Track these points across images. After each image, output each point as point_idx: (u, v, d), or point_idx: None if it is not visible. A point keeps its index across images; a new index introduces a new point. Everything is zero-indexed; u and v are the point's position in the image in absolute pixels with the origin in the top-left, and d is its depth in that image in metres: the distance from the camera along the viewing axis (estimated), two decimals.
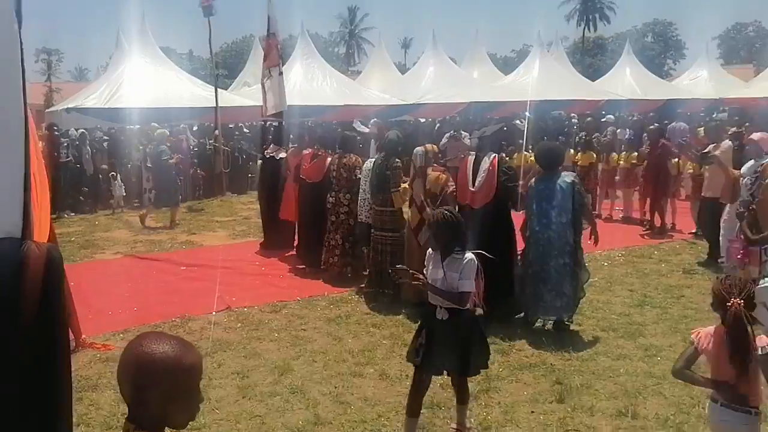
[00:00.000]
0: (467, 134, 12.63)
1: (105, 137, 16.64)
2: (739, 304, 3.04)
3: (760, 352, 3.03)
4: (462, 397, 4.24)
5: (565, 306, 5.95)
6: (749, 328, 3.02)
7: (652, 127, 11.74)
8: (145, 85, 16.69)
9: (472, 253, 4.01)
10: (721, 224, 7.74)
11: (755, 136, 6.93)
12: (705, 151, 8.18)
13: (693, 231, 10.18)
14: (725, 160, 7.79)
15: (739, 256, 6.09)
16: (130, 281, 8.27)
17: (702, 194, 8.82)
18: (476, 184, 6.35)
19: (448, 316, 3.99)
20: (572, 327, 6.01)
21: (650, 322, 6.07)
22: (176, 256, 9.68)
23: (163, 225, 12.07)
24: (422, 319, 4.25)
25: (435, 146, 7.18)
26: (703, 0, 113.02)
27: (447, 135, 13.21)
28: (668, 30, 74.40)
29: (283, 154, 9.81)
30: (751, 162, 6.74)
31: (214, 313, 6.78)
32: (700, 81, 27.66)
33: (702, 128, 14.59)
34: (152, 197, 14.64)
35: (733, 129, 9.56)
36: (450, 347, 3.99)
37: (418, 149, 6.85)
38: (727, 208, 7.55)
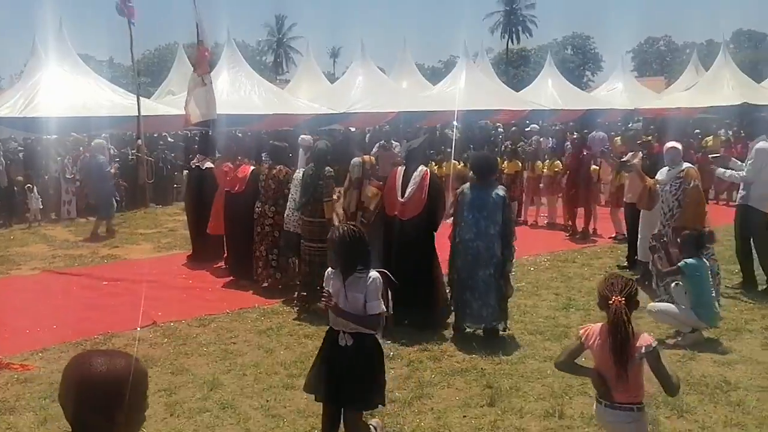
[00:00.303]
0: (398, 144, 12.74)
1: (20, 148, 15.88)
2: (620, 301, 3.09)
3: (643, 351, 3.09)
4: None
5: (490, 316, 6.04)
6: (629, 326, 3.07)
7: (575, 136, 12.19)
8: (63, 93, 15.99)
9: (376, 271, 3.76)
10: (639, 228, 8.11)
11: (674, 143, 7.23)
12: (623, 159, 8.56)
13: (613, 235, 10.62)
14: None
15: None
16: (48, 298, 7.92)
17: (624, 200, 9.19)
18: (406, 195, 6.39)
19: (353, 342, 3.73)
20: (501, 332, 6.13)
21: (575, 325, 6.25)
22: (98, 270, 9.31)
23: (84, 238, 11.61)
24: (323, 347, 3.96)
25: (373, 158, 7.19)
26: (618, 15, 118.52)
27: (377, 145, 13.28)
28: (586, 43, 77.57)
29: (209, 164, 9.61)
30: (666, 169, 7.06)
31: (138, 328, 6.56)
32: (617, 92, 28.91)
33: (618, 137, 15.28)
34: (71, 209, 14.13)
35: (642, 138, 10.02)
36: (351, 378, 3.74)
37: (356, 160, 6.85)
38: (643, 212, 7.91)
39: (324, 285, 3.83)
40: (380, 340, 3.96)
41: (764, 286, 7.44)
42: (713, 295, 6.01)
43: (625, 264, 8.82)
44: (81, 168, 13.23)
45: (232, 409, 4.78)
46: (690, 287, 5.91)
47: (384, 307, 3.72)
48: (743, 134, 12.02)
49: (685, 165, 6.96)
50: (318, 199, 6.85)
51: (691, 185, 6.73)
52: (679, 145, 7.30)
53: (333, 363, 3.80)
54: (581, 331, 3.34)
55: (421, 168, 6.53)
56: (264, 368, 5.49)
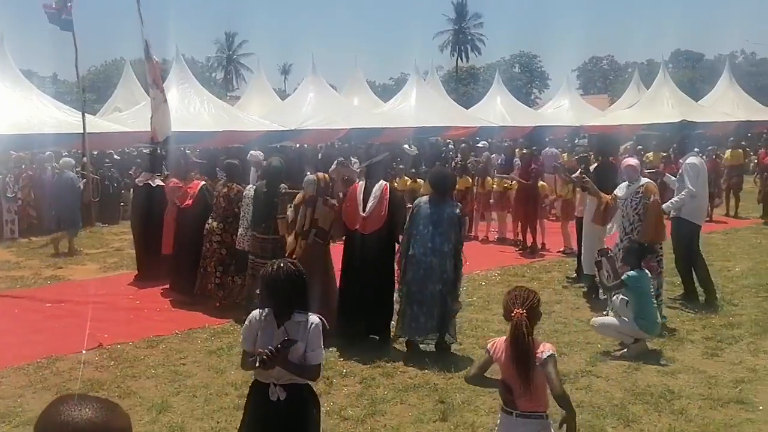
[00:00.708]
0: (356, 160, 12.79)
1: None
2: (521, 314, 3.17)
3: (542, 357, 3.18)
4: None
5: (434, 327, 6.08)
6: (529, 337, 3.15)
7: (525, 152, 12.43)
8: (4, 110, 15.51)
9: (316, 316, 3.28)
10: (582, 240, 8.31)
11: (631, 160, 7.43)
12: (574, 174, 8.76)
13: (561, 249, 10.86)
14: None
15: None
16: None
17: (575, 214, 9.42)
18: (367, 210, 6.43)
19: (285, 395, 3.21)
20: (453, 346, 6.18)
21: None
22: (40, 292, 9.01)
23: (51, 254, 11.48)
24: (250, 404, 3.42)
25: (326, 175, 7.18)
26: (563, 35, 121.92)
27: (336, 162, 13.30)
28: (533, 62, 79.36)
29: (158, 182, 9.46)
30: (626, 184, 7.25)
31: (83, 351, 6.38)
32: (563, 109, 29.67)
33: (565, 153, 15.72)
34: (14, 229, 13.65)
35: (581, 154, 10.31)
36: None
37: (310, 177, 6.82)
38: (586, 226, 8.12)
39: (247, 327, 3.32)
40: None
41: (704, 297, 7.72)
42: (655, 306, 6.20)
43: (574, 276, 9.01)
44: (7, 188, 12.88)
45: None
46: (632, 299, 6.09)
47: (323, 355, 3.31)
48: (677, 151, 12.54)
49: (644, 181, 7.11)
50: (273, 216, 6.81)
51: (651, 200, 6.91)
52: (635, 162, 7.47)
53: (265, 422, 3.27)
54: (489, 345, 3.43)
55: (381, 182, 6.59)
56: (214, 389, 5.40)
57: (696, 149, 8.63)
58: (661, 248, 7.05)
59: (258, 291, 3.29)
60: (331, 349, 6.13)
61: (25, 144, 15.45)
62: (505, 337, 3.33)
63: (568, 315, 7.30)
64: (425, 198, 6.40)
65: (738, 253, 10.51)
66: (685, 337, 6.44)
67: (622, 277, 6.13)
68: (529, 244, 11.24)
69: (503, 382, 3.32)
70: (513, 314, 3.20)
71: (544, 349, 3.20)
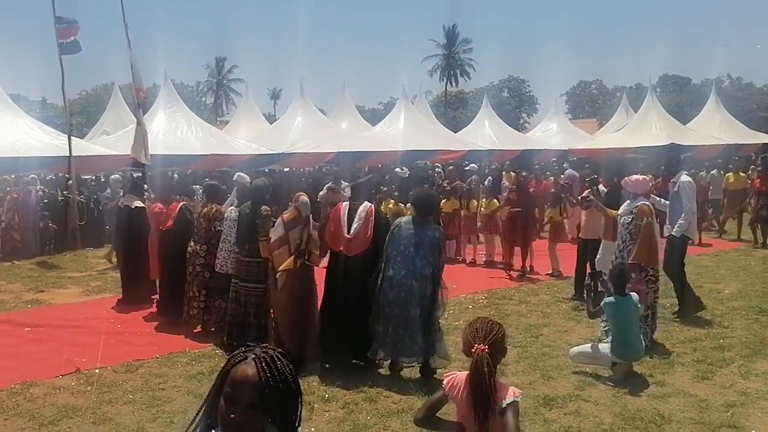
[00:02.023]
0: (347, 184, 12.71)
1: None
2: (483, 350, 2.78)
3: (503, 404, 2.78)
4: None
5: (419, 351, 5.96)
6: (491, 377, 2.76)
7: (523, 174, 12.34)
8: None
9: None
10: (596, 261, 8.24)
11: (631, 177, 7.37)
12: (583, 196, 8.79)
13: (549, 272, 10.77)
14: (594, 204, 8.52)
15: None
16: None
17: (580, 235, 9.40)
18: (352, 231, 6.30)
19: None
20: (439, 370, 6.04)
21: (512, 362, 6.25)
22: (20, 316, 8.83)
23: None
24: None
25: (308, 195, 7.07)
26: (552, 59, 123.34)
27: (326, 186, 13.23)
28: (522, 86, 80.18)
29: (138, 203, 9.33)
30: (627, 202, 7.25)
31: (60, 376, 6.20)
32: (551, 133, 29.80)
33: (552, 177, 15.75)
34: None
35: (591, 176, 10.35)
36: None
37: (305, 199, 6.70)
38: (600, 247, 8.11)
39: None
40: None
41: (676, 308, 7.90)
42: (637, 332, 6.05)
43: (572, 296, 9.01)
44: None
45: None
46: (610, 324, 6.04)
47: None
48: (665, 172, 12.56)
49: (640, 201, 7.05)
50: (255, 238, 6.69)
51: (644, 222, 6.85)
52: (634, 179, 7.34)
53: None
54: (445, 380, 3.00)
55: (366, 204, 6.45)
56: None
57: (684, 170, 8.63)
58: (653, 271, 6.97)
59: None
60: (312, 376, 6.01)
61: (10, 167, 15.29)
62: (466, 373, 2.90)
63: (556, 338, 7.19)
64: (407, 218, 6.29)
65: (727, 275, 10.47)
66: (675, 360, 6.34)
67: (601, 304, 6.07)
68: (519, 267, 11.08)
69: (459, 426, 2.92)
70: (473, 350, 2.80)
71: (508, 395, 2.80)
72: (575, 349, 6.27)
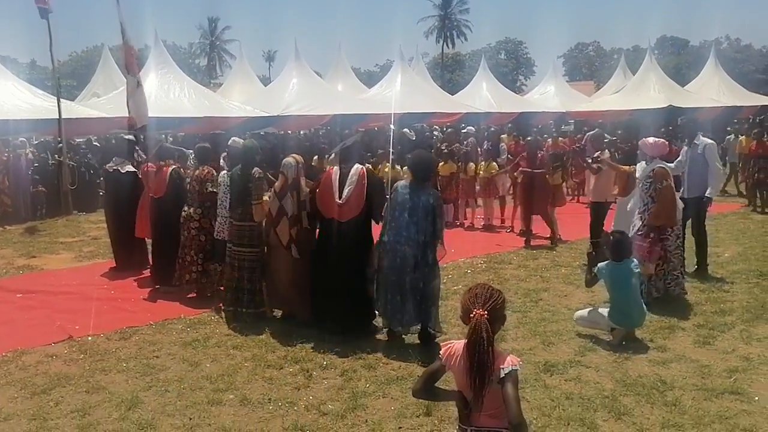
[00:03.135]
0: (335, 153, 12.47)
1: None
2: (482, 315, 2.71)
3: (501, 373, 2.72)
4: None
5: (423, 316, 5.86)
6: (489, 344, 2.69)
7: (529, 138, 12.03)
8: None
9: None
10: (613, 222, 8.19)
11: (649, 140, 7.26)
12: (595, 156, 8.81)
13: (548, 236, 10.62)
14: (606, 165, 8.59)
15: (645, 254, 6.69)
16: None
17: (591, 198, 9.38)
18: (343, 196, 6.10)
19: None
20: (438, 337, 5.96)
21: (512, 327, 6.16)
22: (11, 282, 8.70)
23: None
24: None
25: (302, 157, 6.86)
26: (549, 21, 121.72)
27: (334, 153, 13.01)
28: (519, 48, 79.35)
29: (129, 168, 9.12)
30: (643, 163, 7.20)
31: (52, 344, 6.10)
32: (549, 95, 29.49)
33: (550, 138, 15.53)
34: None
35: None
36: None
37: (289, 160, 6.49)
38: (616, 206, 8.22)
39: None
40: None
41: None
42: (635, 298, 5.93)
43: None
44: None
45: (151, 429, 4.43)
46: (608, 291, 6.01)
47: None
48: (666, 135, 12.34)
49: (656, 165, 7.02)
50: (247, 202, 6.53)
51: (664, 185, 6.88)
52: (651, 141, 7.24)
53: None
54: (443, 350, 2.92)
55: (357, 167, 6.21)
56: (188, 383, 5.14)
57: (700, 132, 8.48)
58: (671, 231, 7.00)
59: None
60: (309, 342, 5.93)
61: (0, 129, 15.02)
62: (463, 341, 2.82)
63: (556, 303, 7.10)
64: (403, 183, 6.07)
65: (726, 239, 10.37)
66: (676, 325, 6.26)
67: (594, 270, 5.99)
68: (534, 232, 10.59)
69: (459, 394, 2.85)
70: (472, 315, 2.73)
71: (506, 363, 2.73)
72: (577, 313, 6.24)
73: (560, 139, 15.52)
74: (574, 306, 6.82)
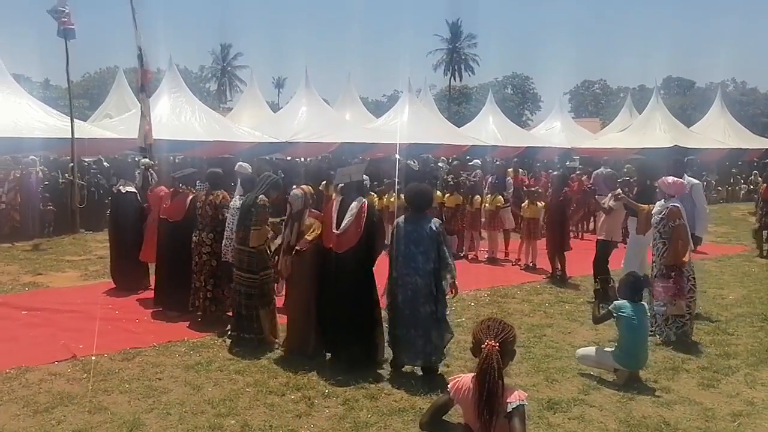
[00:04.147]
0: (367, 178, 12.57)
1: None
2: (494, 346, 2.76)
3: (508, 408, 2.73)
4: None
5: (432, 352, 5.85)
6: (499, 375, 2.72)
7: (555, 173, 12.08)
8: None
9: None
10: (624, 260, 8.35)
11: (668, 179, 7.29)
12: (615, 193, 8.88)
13: (550, 272, 10.60)
14: (618, 205, 8.75)
15: (673, 293, 6.74)
16: None
17: (598, 237, 9.38)
18: (341, 227, 6.09)
19: None
20: (441, 368, 5.95)
21: (515, 362, 6.08)
22: (17, 299, 8.73)
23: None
24: None
25: (311, 188, 6.93)
26: (556, 58, 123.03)
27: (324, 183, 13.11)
28: (526, 83, 79.98)
29: (131, 188, 9.22)
30: (662, 202, 7.25)
31: (56, 362, 6.11)
32: (555, 131, 29.75)
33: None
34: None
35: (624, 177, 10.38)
36: None
37: (297, 191, 6.56)
38: (628, 243, 8.37)
39: None
40: None
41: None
42: (644, 340, 5.91)
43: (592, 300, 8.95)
44: None
45: None
46: (617, 328, 5.97)
47: None
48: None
49: (671, 204, 7.04)
50: (248, 226, 6.58)
51: (677, 223, 6.91)
52: (670, 180, 7.26)
53: None
54: (450, 383, 2.96)
55: (360, 199, 6.23)
56: (190, 407, 5.14)
57: (688, 171, 8.67)
58: (682, 271, 6.98)
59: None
60: (312, 371, 5.92)
61: (12, 147, 15.18)
62: (471, 375, 2.86)
63: (560, 339, 7.10)
64: (402, 217, 6.12)
65: (731, 282, 10.36)
66: (680, 366, 6.24)
67: (609, 308, 5.99)
68: (558, 272, 10.36)
69: (465, 427, 2.88)
70: (484, 346, 2.78)
71: (514, 398, 2.76)
72: (580, 351, 6.21)
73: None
74: (577, 343, 6.81)
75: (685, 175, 8.30)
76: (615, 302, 5.96)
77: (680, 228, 6.92)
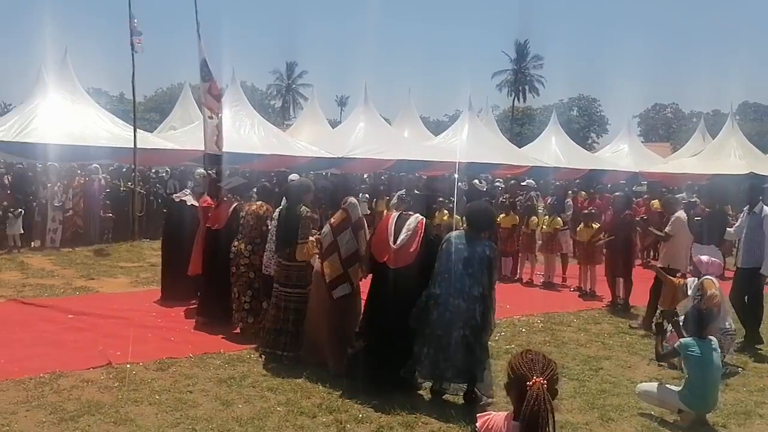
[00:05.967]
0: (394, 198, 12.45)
1: (5, 172, 15.64)
2: (542, 384, 2.42)
3: None
4: None
5: (456, 375, 5.48)
6: (552, 417, 2.40)
7: (618, 194, 11.41)
8: (59, 121, 15.77)
9: None
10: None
11: (703, 258, 6.99)
12: (641, 216, 8.45)
13: (609, 300, 10.00)
14: (677, 230, 8.34)
15: None
16: (5, 329, 7.37)
17: (659, 264, 8.68)
18: (398, 242, 5.82)
19: None
20: (484, 400, 5.53)
21: (567, 396, 5.68)
22: (65, 302, 8.79)
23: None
24: None
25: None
26: (626, 80, 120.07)
27: (396, 195, 12.96)
28: (593, 106, 78.22)
29: (192, 200, 9.18)
30: (695, 279, 6.94)
31: (90, 368, 6.02)
32: (622, 154, 28.73)
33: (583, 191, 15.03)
34: (55, 238, 13.69)
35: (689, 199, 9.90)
36: None
37: (354, 201, 6.34)
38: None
39: None
40: None
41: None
42: (714, 380, 5.40)
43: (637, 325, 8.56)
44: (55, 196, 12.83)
45: None
46: (684, 367, 5.45)
47: None
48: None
49: (704, 278, 6.78)
50: (294, 242, 6.35)
51: (709, 294, 6.57)
52: (705, 259, 6.96)
53: None
54: (479, 422, 2.63)
55: (417, 216, 5.94)
56: (217, 424, 4.91)
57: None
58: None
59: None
60: (347, 392, 5.61)
61: (79, 155, 15.67)
62: (504, 414, 2.55)
63: (618, 374, 6.54)
64: (457, 233, 5.78)
65: None
66: (753, 410, 5.63)
67: (675, 345, 5.47)
68: (620, 300, 9.75)
69: None
70: (531, 383, 2.43)
71: None
72: (643, 385, 5.68)
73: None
74: (637, 379, 6.26)
75: (762, 204, 7.69)
76: (681, 340, 5.45)
77: (713, 296, 6.52)
